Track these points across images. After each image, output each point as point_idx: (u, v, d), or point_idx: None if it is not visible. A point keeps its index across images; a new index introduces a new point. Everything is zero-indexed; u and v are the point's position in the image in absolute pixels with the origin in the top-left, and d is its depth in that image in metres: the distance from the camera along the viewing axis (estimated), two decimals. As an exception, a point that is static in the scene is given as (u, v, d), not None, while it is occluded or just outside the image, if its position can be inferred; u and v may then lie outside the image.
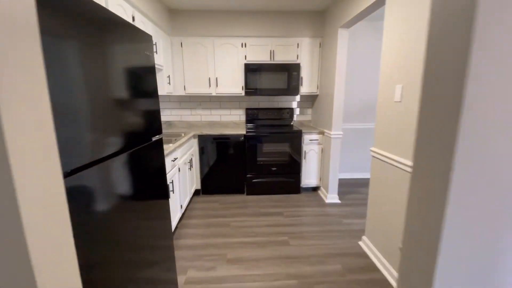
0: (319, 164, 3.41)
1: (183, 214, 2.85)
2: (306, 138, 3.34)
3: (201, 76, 3.41)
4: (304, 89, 3.50)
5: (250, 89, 3.38)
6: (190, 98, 3.78)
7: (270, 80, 3.36)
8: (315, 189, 3.59)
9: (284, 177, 3.41)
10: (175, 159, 2.42)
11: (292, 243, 2.32)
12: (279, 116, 3.79)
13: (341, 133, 3.05)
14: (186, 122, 3.84)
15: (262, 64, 3.32)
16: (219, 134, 3.26)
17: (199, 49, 3.34)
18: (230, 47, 3.35)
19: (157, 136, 1.42)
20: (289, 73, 3.36)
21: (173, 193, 2.34)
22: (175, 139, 2.65)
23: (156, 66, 2.76)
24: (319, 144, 3.37)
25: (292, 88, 3.40)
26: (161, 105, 3.76)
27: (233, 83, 3.44)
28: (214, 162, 3.32)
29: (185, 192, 2.81)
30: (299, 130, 3.31)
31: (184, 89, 3.43)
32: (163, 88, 3.09)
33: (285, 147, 3.33)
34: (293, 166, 3.38)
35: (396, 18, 1.77)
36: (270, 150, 3.33)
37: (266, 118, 3.78)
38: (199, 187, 3.38)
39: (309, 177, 3.45)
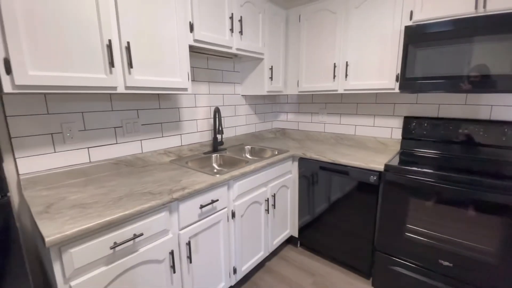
0: None
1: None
2: None
3: (321, 64, 2.11)
4: None
5: (413, 80, 1.63)
6: (312, 98, 2.57)
7: (470, 56, 1.42)
8: None
9: (476, 294, 1.39)
10: (215, 201, 1.46)
11: None
12: (491, 139, 1.64)
13: None
14: (303, 133, 2.69)
15: (451, 23, 1.45)
16: (330, 161, 1.85)
17: (325, 19, 2.04)
18: (380, 0, 1.76)
19: None
20: (544, 30, 1.23)
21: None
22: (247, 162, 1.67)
23: (246, 53, 1.91)
24: None
25: (549, 70, 1.24)
26: (275, 107, 2.87)
27: (377, 70, 1.83)
28: (322, 205, 1.97)
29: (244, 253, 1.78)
30: (556, 192, 1.14)
31: (298, 85, 2.30)
32: (262, 84, 2.17)
33: (492, 224, 1.30)
34: (506, 275, 1.28)
35: None
36: (445, 220, 1.44)
37: (448, 141, 1.77)
38: (296, 233, 2.19)
39: None
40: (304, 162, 2.01)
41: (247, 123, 2.49)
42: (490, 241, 1.31)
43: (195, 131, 1.98)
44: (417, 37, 1.57)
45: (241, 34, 1.82)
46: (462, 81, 1.46)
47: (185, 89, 1.52)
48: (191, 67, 1.89)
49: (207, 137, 2.08)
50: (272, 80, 2.20)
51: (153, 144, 1.73)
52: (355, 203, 1.78)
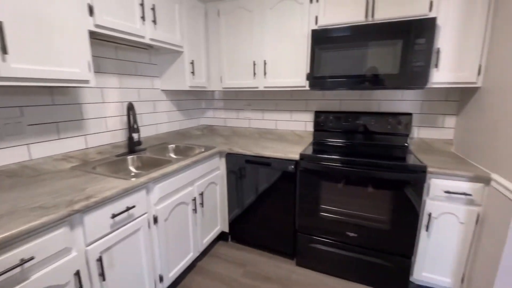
0: (466, 247, 1.48)
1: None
2: (437, 185, 1.49)
3: (242, 61, 2.16)
4: (442, 75, 1.60)
5: (320, 78, 1.84)
6: (236, 94, 2.61)
7: (362, 58, 1.70)
8: (446, 293, 1.66)
9: (373, 257, 1.70)
10: (130, 207, 1.33)
11: None
12: (380, 128, 2.03)
13: (561, 196, 1.06)
14: (230, 129, 2.72)
15: (348, 29, 1.70)
16: (255, 154, 1.93)
17: (242, 16, 2.09)
18: (291, 4, 1.91)
19: None
20: (406, 41, 1.57)
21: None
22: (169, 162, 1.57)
23: (162, 44, 1.76)
24: (470, 203, 1.44)
25: (412, 73, 1.60)
26: (203, 103, 2.79)
27: (291, 69, 2.00)
28: (250, 197, 2.04)
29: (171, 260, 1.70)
30: (420, 166, 1.50)
31: (221, 81, 2.30)
32: (184, 79, 2.07)
33: (384, 198, 1.61)
34: (396, 239, 1.62)
35: None
36: (349, 197, 1.70)
37: (350, 131, 2.11)
38: (226, 228, 2.20)
39: (434, 267, 1.58)
40: (231, 157, 2.03)
41: (170, 120, 2.34)
42: (383, 211, 1.63)
43: (104, 130, 1.74)
44: (321, 40, 1.78)
45: (155, 23, 1.68)
46: (358, 80, 1.73)
47: (86, 82, 1.30)
48: (94, 56, 1.63)
49: (120, 137, 1.86)
50: (194, 75, 2.13)
51: (46, 149, 1.42)
52: (278, 192, 1.92)
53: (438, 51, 1.58)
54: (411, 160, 1.61)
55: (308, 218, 1.83)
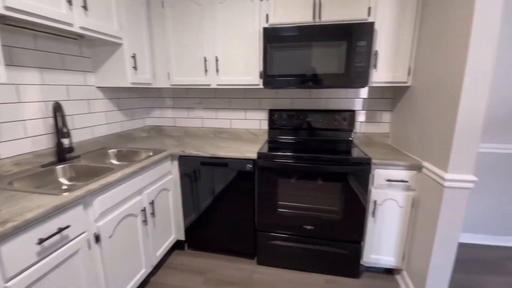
0: (405, 228, 1.68)
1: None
2: (380, 175, 1.64)
3: (192, 57, 2.04)
4: (380, 75, 1.78)
5: (272, 77, 1.85)
6: (187, 92, 2.46)
7: (311, 58, 1.76)
8: (390, 271, 1.87)
9: (328, 246, 1.80)
10: (65, 228, 1.12)
11: None
12: (329, 124, 2.15)
13: (473, 178, 1.27)
14: (182, 129, 2.55)
15: (297, 28, 1.74)
16: (210, 155, 1.84)
17: (190, 9, 1.96)
18: (241, 0, 1.86)
19: None
20: (350, 43, 1.69)
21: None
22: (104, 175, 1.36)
23: (96, 34, 1.52)
24: (407, 189, 1.63)
25: (355, 73, 1.73)
26: (148, 102, 2.55)
27: (244, 66, 1.96)
28: (207, 200, 1.94)
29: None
30: (365, 159, 1.63)
31: (168, 77, 2.12)
32: (124, 75, 1.84)
33: (335, 190, 1.71)
34: (347, 227, 1.74)
35: None
36: (304, 192, 1.76)
37: (302, 128, 2.19)
38: (182, 236, 2.06)
39: (379, 249, 1.75)
40: (184, 160, 1.90)
41: (109, 122, 2.06)
42: (335, 202, 1.72)
43: (22, 136, 1.42)
44: (273, 38, 1.78)
45: (86, 9, 1.44)
46: (307, 79, 1.79)
47: (-9, 77, 1.03)
48: (5, 46, 1.31)
49: (46, 143, 1.55)
50: (136, 70, 1.91)
51: None
52: (236, 192, 1.87)
53: (376, 53, 1.74)
54: (357, 153, 1.75)
55: (267, 215, 1.83)
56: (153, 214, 1.70)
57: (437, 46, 1.45)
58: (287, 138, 2.23)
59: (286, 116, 2.20)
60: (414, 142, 1.70)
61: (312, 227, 1.78)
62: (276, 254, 1.88)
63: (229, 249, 2.01)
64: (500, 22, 1.11)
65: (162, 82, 2.15)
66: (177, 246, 2.13)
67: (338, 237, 1.76)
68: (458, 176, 1.28)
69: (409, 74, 1.75)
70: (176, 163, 1.92)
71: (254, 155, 1.77)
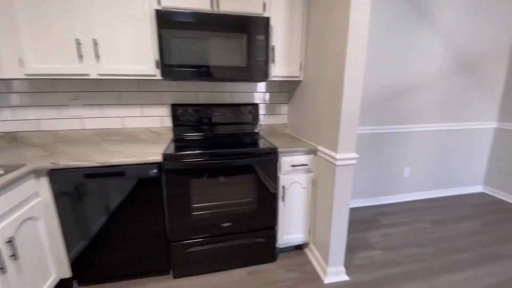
0: (308, 206, 1.89)
1: None
2: (285, 162, 1.77)
3: (57, 37, 1.55)
4: (278, 69, 1.90)
5: (171, 67, 1.65)
6: (54, 84, 1.88)
7: (213, 50, 1.68)
8: (299, 247, 2.08)
9: (246, 238, 1.81)
10: None
11: None
12: (235, 118, 2.15)
13: (355, 155, 1.55)
14: (51, 134, 1.94)
15: (195, 15, 1.60)
16: (98, 164, 1.48)
17: (47, -28, 1.47)
18: (122, -26, 1.54)
19: None
20: (249, 37, 1.71)
21: None
22: None
23: None
24: (308, 171, 1.83)
25: (255, 67, 1.77)
26: (-15, 99, 1.79)
27: (135, 53, 1.66)
28: (100, 220, 1.55)
29: None
30: (272, 149, 1.71)
31: (21, 65, 1.54)
32: None
33: (248, 181, 1.72)
34: (262, 215, 1.80)
35: None
36: (218, 189, 1.68)
37: (209, 123, 2.10)
38: (67, 273, 1.59)
39: (290, 229, 1.91)
40: (58, 175, 1.44)
41: None
42: (249, 194, 1.73)
43: None
44: (168, 23, 1.58)
45: None
46: (210, 71, 1.70)
47: None
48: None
49: None
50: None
51: None
52: (140, 204, 1.59)
53: (273, 48, 1.84)
54: (265, 144, 1.82)
55: (181, 222, 1.66)
56: (14, 256, 1.20)
57: (322, 43, 1.66)
58: (194, 135, 2.08)
59: (191, 111, 2.04)
60: (308, 130, 1.92)
61: (230, 224, 1.74)
62: (195, 261, 1.74)
63: (137, 272, 1.71)
64: (368, 22, 1.37)
65: (10, 72, 1.54)
66: (61, 287, 1.63)
67: (255, 227, 1.80)
68: (345, 155, 1.53)
69: (300, 69, 1.95)
70: (45, 180, 1.43)
71: (159, 158, 1.54)
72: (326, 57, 1.60)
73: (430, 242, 2.15)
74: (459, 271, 1.81)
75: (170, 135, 2.11)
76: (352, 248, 2.06)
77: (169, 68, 1.64)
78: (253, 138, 2.03)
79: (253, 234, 1.81)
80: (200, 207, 1.67)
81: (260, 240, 1.83)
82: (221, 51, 1.70)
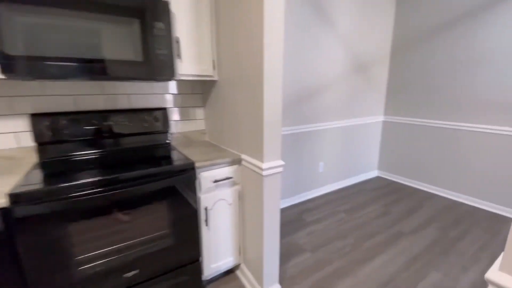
0: (237, 223, 1.66)
1: None
2: (206, 178, 1.47)
3: None
4: (187, 67, 1.58)
5: (18, 59, 1.09)
6: None
7: (93, 36, 1.21)
8: (230, 270, 1.83)
9: (163, 282, 1.42)
10: None
11: None
12: (137, 128, 1.69)
13: (282, 163, 1.41)
14: None
15: (51, -16, 1.10)
16: None
17: None
18: None
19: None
20: (144, 23, 1.32)
21: None
22: None
23: None
24: (233, 184, 1.60)
25: (157, 62, 1.40)
26: None
27: None
28: None
29: None
30: (188, 164, 1.39)
31: None
32: None
33: (157, 211, 1.33)
34: (182, 249, 1.44)
35: None
36: (119, 227, 1.23)
37: (98, 137, 1.58)
38: None
39: (218, 255, 1.63)
40: None
41: None
42: (163, 225, 1.35)
43: None
44: (4, -7, 1.02)
45: None
46: (91, 66, 1.23)
47: None
48: None
49: None
50: None
51: None
52: (-28, 279, 0.98)
53: (178, 41, 1.50)
54: (178, 159, 1.47)
55: (56, 286, 1.13)
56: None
57: (235, 39, 1.44)
58: (73, 156, 1.51)
59: (67, 123, 1.47)
60: (230, 136, 1.69)
61: (137, 271, 1.32)
62: (88, 332, 1.24)
63: None
64: (283, 14, 1.22)
65: None
66: None
67: (174, 266, 1.44)
68: (272, 163, 1.36)
69: (214, 67, 1.68)
70: None
71: (2, 201, 0.97)
72: (241, 54, 1.39)
73: (348, 232, 2.29)
74: (377, 257, 1.96)
75: (33, 159, 1.47)
76: (283, 257, 1.96)
77: (13, 61, 1.08)
78: (163, 152, 1.64)
79: (172, 274, 1.44)
80: (89, 258, 1.18)
81: (183, 279, 1.48)
82: (106, 39, 1.24)
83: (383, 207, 2.77)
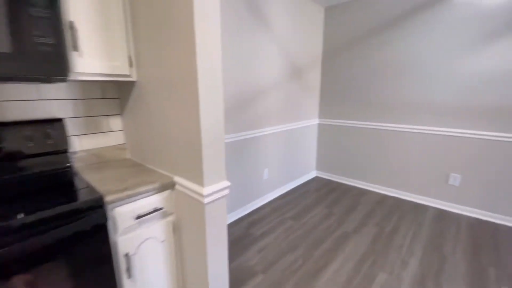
0: (173, 263, 1.31)
1: None
2: (124, 215, 1.09)
3: None
4: (89, 63, 1.15)
5: None
6: None
7: None
8: (169, 319, 1.45)
9: None
10: None
11: None
12: (17, 147, 1.16)
13: (227, 184, 1.15)
14: None
15: None
16: None
17: None
18: None
19: None
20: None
21: None
22: None
23: None
24: (165, 216, 1.25)
25: (37, 54, 0.95)
26: None
27: None
28: None
29: None
30: (93, 200, 0.98)
31: None
32: None
33: (51, 275, 0.88)
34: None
35: None
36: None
37: None
38: None
39: (150, 307, 1.25)
40: None
41: None
42: (72, 286, 0.90)
43: None
44: None
45: None
46: None
47: None
48: None
49: None
50: None
51: None
52: None
53: (73, 26, 1.07)
54: (80, 192, 1.04)
55: None
56: None
57: (158, 27, 1.11)
58: None
59: None
60: (158, 153, 1.33)
61: None
62: None
63: None
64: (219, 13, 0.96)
65: None
66: None
67: None
68: (215, 187, 1.09)
69: (131, 65, 1.30)
70: None
71: None
72: (167, 48, 1.07)
73: (298, 241, 2.19)
74: (328, 265, 1.89)
75: None
76: (234, 285, 1.70)
77: None
78: (58, 182, 1.16)
79: None
80: None
81: None
82: None
83: (325, 208, 2.81)
